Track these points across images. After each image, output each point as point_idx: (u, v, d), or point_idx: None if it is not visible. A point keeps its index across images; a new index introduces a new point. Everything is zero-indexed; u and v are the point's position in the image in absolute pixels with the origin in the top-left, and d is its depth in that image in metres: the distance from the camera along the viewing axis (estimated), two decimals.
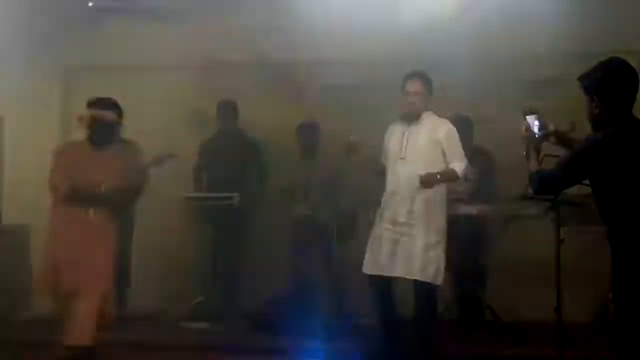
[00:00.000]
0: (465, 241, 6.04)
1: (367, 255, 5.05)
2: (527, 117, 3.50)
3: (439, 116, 5.12)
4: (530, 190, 3.53)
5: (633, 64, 3.32)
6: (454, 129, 5.09)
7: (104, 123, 4.92)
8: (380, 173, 5.17)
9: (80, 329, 4.71)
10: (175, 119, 6.95)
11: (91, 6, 6.82)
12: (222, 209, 6.41)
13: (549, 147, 3.54)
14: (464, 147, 6.21)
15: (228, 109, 6.81)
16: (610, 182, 3.19)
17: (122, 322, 6.26)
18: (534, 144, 3.46)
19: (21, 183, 7.14)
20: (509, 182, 6.07)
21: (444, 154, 5.01)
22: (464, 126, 6.29)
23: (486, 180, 6.25)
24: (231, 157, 6.66)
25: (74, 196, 4.79)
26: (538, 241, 5.63)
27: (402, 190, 4.94)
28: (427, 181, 4.85)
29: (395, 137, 5.08)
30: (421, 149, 4.97)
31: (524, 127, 3.50)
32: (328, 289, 6.30)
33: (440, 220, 5.00)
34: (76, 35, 7.32)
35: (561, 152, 3.44)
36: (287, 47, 6.83)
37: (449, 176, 4.97)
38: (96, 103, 4.97)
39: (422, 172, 4.89)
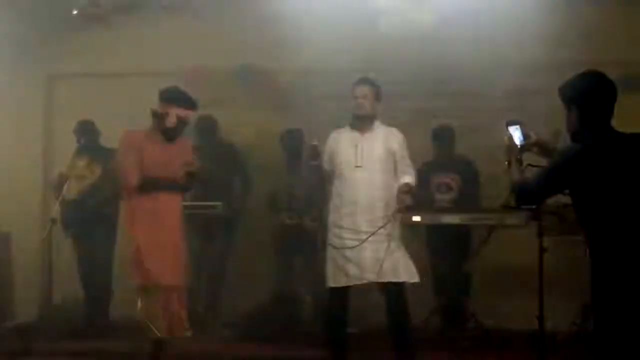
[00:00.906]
0: (448, 250, 6.07)
1: (330, 268, 4.99)
2: (510, 127, 3.51)
3: (389, 125, 5.12)
4: (512, 200, 3.54)
5: (613, 74, 3.35)
6: (405, 139, 5.10)
7: (184, 121, 4.82)
8: (325, 180, 5.16)
9: (178, 320, 4.78)
10: None
11: (75, 14, 6.78)
12: (207, 217, 6.39)
13: (532, 158, 3.56)
14: (447, 156, 6.30)
15: (206, 124, 6.74)
16: (590, 192, 3.21)
17: (104, 332, 6.24)
18: (516, 153, 3.48)
19: (2, 192, 7.10)
20: (491, 191, 6.11)
21: (395, 163, 5.01)
22: (446, 135, 6.37)
23: (469, 189, 6.29)
24: (215, 166, 6.63)
25: (147, 186, 4.67)
26: (521, 250, 5.67)
27: (362, 199, 4.92)
28: (403, 206, 4.85)
29: (346, 145, 5.04)
30: (378, 158, 4.97)
31: (506, 137, 3.52)
32: (312, 296, 6.29)
33: (398, 225, 4.98)
34: (59, 43, 7.30)
35: (544, 162, 3.46)
36: (273, 55, 6.84)
37: (412, 191, 4.94)
38: (180, 99, 4.79)
39: (379, 180, 4.91)
